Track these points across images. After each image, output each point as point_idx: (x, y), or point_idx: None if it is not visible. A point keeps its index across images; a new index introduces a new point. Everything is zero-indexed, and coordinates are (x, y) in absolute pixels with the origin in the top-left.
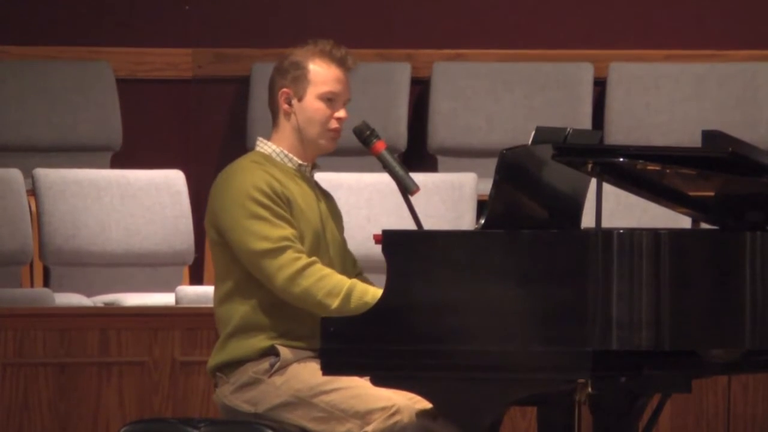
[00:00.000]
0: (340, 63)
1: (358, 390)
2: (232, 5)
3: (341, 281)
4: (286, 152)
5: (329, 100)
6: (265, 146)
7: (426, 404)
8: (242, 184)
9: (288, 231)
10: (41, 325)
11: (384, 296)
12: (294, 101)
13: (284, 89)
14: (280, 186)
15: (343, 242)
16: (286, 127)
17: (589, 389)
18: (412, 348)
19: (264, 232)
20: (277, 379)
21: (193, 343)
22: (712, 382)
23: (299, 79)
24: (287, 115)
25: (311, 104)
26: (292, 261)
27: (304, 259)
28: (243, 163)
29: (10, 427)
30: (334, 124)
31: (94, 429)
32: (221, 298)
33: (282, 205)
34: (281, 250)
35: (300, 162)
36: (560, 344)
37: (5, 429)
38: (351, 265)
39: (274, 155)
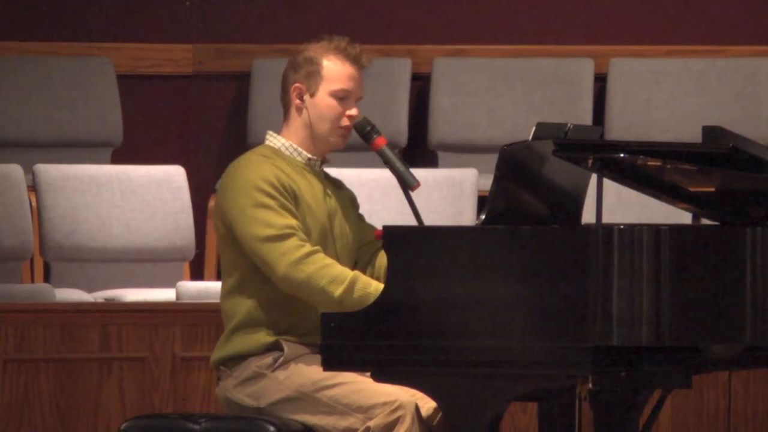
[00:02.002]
0: (355, 60)
1: (361, 385)
2: (233, 1)
3: (345, 271)
4: (295, 146)
5: (341, 97)
6: (274, 140)
7: (428, 400)
8: (250, 176)
9: (292, 221)
10: (42, 320)
11: (385, 292)
12: (306, 97)
13: (297, 84)
14: (288, 179)
15: (353, 236)
16: (296, 121)
17: (590, 385)
18: (413, 343)
19: (268, 220)
20: (280, 374)
21: (193, 339)
22: (713, 378)
23: (312, 74)
24: (299, 110)
25: (323, 100)
26: (295, 247)
27: (308, 247)
28: (251, 156)
29: (10, 422)
30: (345, 122)
31: (94, 424)
32: (227, 292)
33: (288, 198)
34: (285, 237)
35: (309, 156)
36: (561, 340)
37: (6, 424)
38: (369, 243)
39: (283, 149)
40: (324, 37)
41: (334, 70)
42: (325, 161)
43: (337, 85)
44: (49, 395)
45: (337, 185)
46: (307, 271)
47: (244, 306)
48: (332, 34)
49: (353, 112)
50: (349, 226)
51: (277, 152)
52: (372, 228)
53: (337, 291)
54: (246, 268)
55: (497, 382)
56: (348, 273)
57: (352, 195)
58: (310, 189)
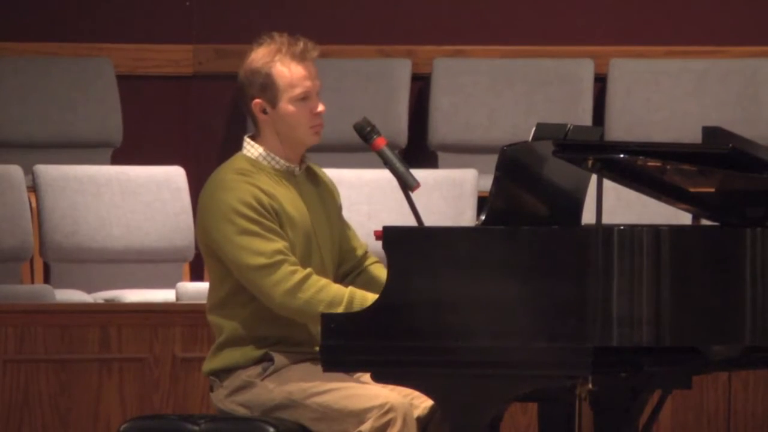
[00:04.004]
0: (302, 58)
1: (351, 390)
2: (233, 1)
3: (340, 290)
4: (272, 155)
5: (303, 99)
6: (251, 149)
7: (423, 400)
8: (228, 200)
9: (280, 244)
10: (42, 321)
11: (384, 292)
12: (269, 109)
13: (256, 100)
14: (268, 198)
15: (338, 237)
16: (267, 132)
17: (590, 385)
18: (413, 344)
19: (257, 248)
20: (270, 382)
21: (193, 340)
22: (713, 379)
23: (267, 87)
24: (266, 123)
25: (287, 109)
26: (288, 275)
27: (301, 273)
28: (228, 175)
29: (10, 423)
30: (315, 120)
31: (94, 425)
32: (214, 306)
33: (271, 218)
34: (277, 265)
35: (287, 164)
36: (561, 340)
37: (6, 425)
38: (358, 253)
39: (260, 159)
40: (265, 38)
41: (287, 77)
42: (304, 160)
43: (295, 91)
44: (49, 396)
45: (319, 186)
46: (304, 298)
47: (232, 322)
48: (272, 33)
49: (320, 108)
50: (332, 230)
51: (254, 163)
52: (354, 236)
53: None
54: (233, 284)
55: (497, 382)
56: (343, 292)
57: (336, 195)
58: (290, 198)
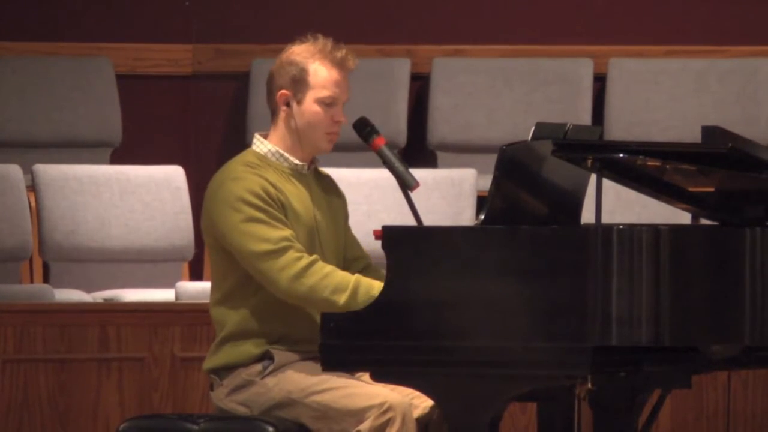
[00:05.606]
0: (341, 65)
1: (351, 389)
2: (233, 1)
3: (346, 277)
4: (282, 152)
5: (328, 104)
6: (261, 145)
7: (423, 400)
8: (235, 189)
9: (286, 231)
10: (41, 321)
11: (384, 292)
12: (293, 104)
13: (283, 91)
14: (275, 190)
15: (343, 240)
16: (284, 127)
17: (589, 385)
18: (412, 344)
19: (263, 234)
20: (270, 381)
21: (192, 339)
22: (712, 378)
23: (298, 81)
24: (285, 116)
25: (310, 108)
26: (294, 261)
27: (306, 258)
28: (236, 167)
29: (9, 423)
30: (333, 128)
31: (93, 425)
32: (217, 300)
33: (277, 208)
34: (282, 251)
35: (296, 162)
36: (560, 340)
37: (5, 425)
38: (360, 264)
39: (269, 155)
40: (308, 37)
41: (321, 76)
42: (314, 162)
43: (324, 93)
44: (48, 395)
45: (328, 189)
46: (309, 284)
47: (234, 317)
48: (317, 34)
49: (341, 118)
50: (337, 232)
51: (263, 158)
52: (357, 244)
53: (341, 299)
54: (237, 278)
55: (496, 382)
56: (349, 279)
57: (344, 202)
58: (297, 195)
